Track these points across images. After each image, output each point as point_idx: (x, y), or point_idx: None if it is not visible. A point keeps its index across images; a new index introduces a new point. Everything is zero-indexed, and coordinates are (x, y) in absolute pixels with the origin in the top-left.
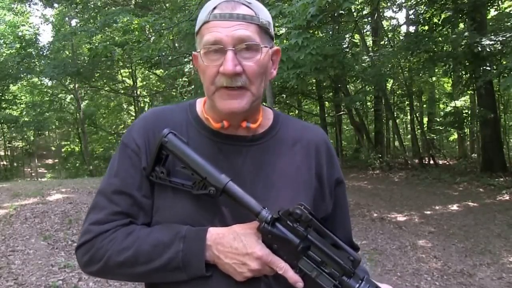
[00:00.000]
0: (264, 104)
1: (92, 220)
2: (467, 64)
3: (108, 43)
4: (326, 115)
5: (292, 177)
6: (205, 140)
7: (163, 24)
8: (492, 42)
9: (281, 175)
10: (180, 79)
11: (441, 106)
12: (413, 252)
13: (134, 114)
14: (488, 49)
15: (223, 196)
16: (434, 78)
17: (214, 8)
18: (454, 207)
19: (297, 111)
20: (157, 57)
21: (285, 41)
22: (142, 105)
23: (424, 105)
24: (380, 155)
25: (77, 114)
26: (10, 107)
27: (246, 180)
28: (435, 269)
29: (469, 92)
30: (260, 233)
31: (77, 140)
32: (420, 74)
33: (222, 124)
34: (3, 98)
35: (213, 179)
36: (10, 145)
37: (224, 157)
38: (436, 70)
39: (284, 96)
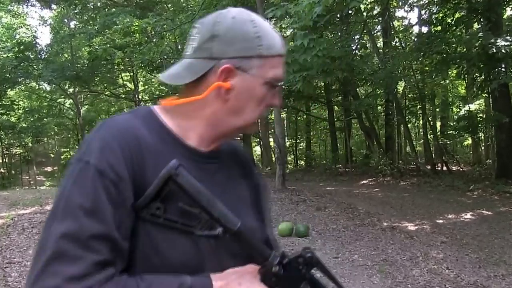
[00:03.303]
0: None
1: (66, 274)
2: (482, 66)
3: (108, 45)
4: (335, 119)
5: (243, 190)
6: (186, 161)
7: (165, 26)
8: (508, 43)
9: (240, 190)
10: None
11: (455, 109)
12: (424, 263)
13: None
14: (503, 50)
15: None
16: (447, 81)
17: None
18: (468, 215)
19: (305, 116)
20: (159, 60)
21: (290, 42)
22: None
23: (437, 109)
24: (391, 161)
25: (77, 120)
26: (8, 112)
27: (229, 199)
28: (447, 281)
29: (483, 95)
30: (263, 275)
31: (77, 147)
32: (433, 77)
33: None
34: (0, 103)
35: (226, 220)
36: (7, 152)
37: (207, 179)
38: (449, 72)
39: (292, 100)
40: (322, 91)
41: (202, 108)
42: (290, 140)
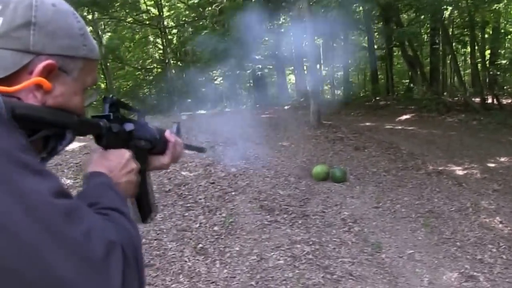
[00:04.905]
0: None
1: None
2: None
3: None
4: (376, 47)
5: None
6: None
7: None
8: None
9: None
10: (210, 8)
11: (509, 38)
12: (475, 216)
13: (161, 48)
14: None
15: None
16: (501, 6)
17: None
18: None
19: (342, 43)
20: None
21: None
22: (170, 37)
23: (488, 37)
24: (436, 95)
25: (99, 48)
26: None
27: None
28: (501, 238)
29: None
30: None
31: (102, 76)
32: (486, 1)
33: None
34: None
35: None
36: None
37: None
38: None
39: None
40: (361, 17)
41: None
42: (327, 69)
